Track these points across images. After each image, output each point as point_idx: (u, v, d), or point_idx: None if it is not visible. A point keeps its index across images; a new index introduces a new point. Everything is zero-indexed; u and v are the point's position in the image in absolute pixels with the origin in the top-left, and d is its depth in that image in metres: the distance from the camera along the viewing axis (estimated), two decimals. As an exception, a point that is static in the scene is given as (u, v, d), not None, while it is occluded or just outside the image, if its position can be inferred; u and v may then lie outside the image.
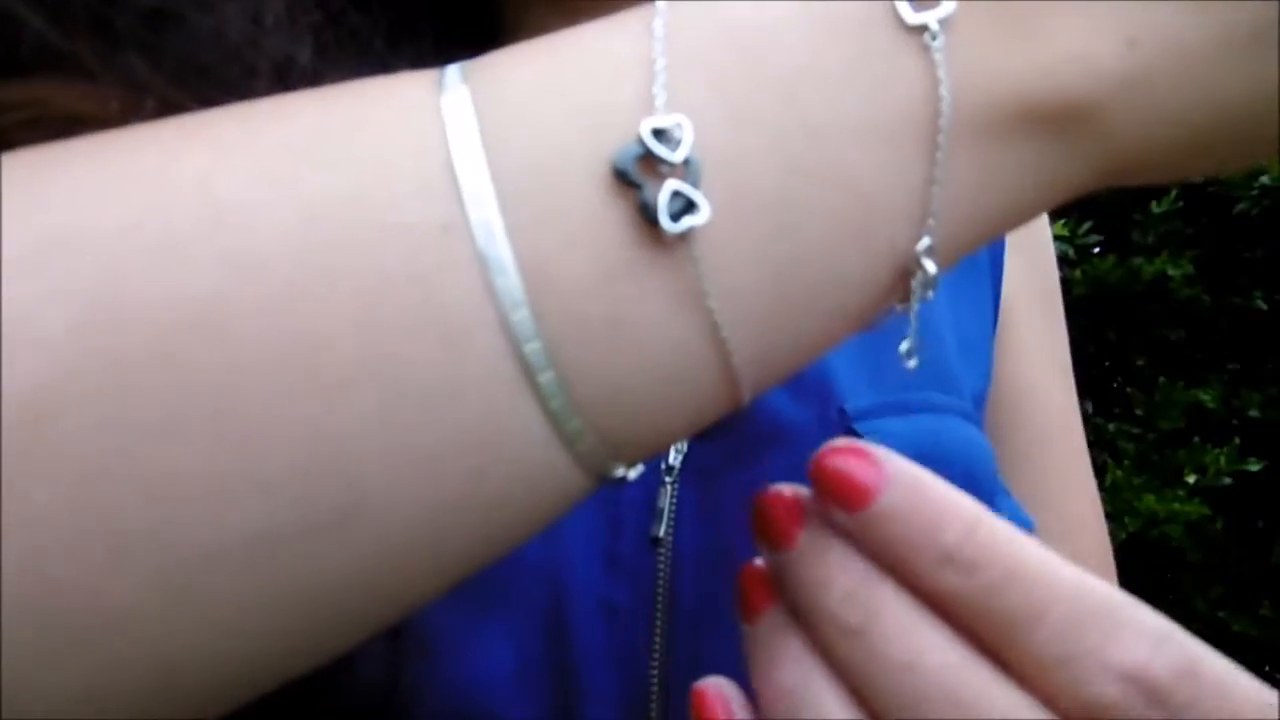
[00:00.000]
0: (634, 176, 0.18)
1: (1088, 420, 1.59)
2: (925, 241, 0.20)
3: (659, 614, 0.35)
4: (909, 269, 0.20)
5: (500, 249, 0.17)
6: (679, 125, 0.18)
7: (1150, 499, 1.42)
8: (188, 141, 0.18)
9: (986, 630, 0.19)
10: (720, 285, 0.18)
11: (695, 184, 0.18)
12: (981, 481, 0.40)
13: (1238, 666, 0.19)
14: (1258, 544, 1.48)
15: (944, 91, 0.19)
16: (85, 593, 0.16)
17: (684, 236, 0.18)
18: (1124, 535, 1.43)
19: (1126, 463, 1.51)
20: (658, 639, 0.35)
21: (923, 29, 0.19)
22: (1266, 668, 1.52)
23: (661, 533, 0.35)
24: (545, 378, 0.18)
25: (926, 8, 0.19)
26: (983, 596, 0.19)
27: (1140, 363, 1.61)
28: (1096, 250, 1.59)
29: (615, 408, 0.19)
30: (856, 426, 0.37)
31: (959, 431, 0.40)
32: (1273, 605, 1.43)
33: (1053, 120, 0.20)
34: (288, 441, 0.16)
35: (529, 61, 0.20)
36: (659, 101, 0.18)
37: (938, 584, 0.19)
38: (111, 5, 0.23)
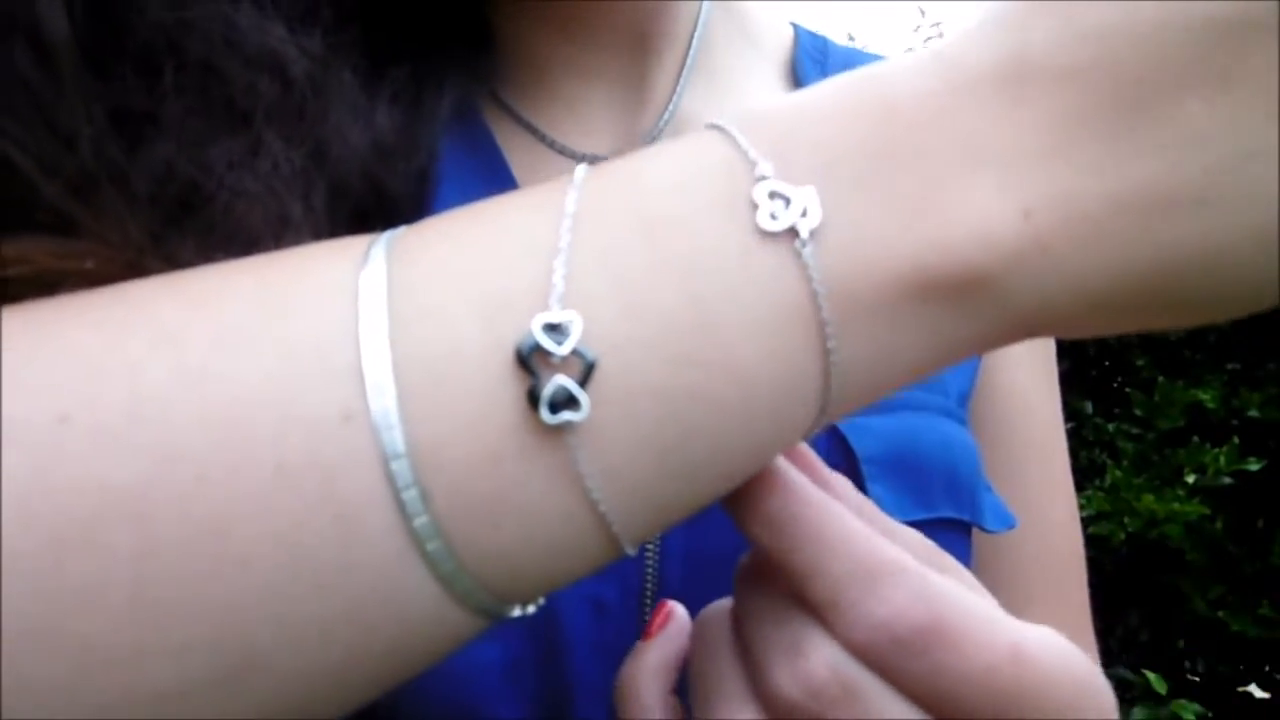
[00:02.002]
0: (533, 365, 0.19)
1: (1088, 420, 1.59)
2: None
3: (647, 611, 0.35)
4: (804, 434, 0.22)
5: (395, 437, 0.19)
6: (570, 321, 0.19)
7: (1150, 499, 1.42)
8: (128, 328, 0.19)
9: (788, 579, 0.23)
10: (600, 467, 0.20)
11: (585, 376, 0.19)
12: (963, 476, 0.40)
13: (999, 615, 0.22)
14: (1258, 544, 1.47)
15: (818, 288, 0.20)
16: None
17: (563, 427, 0.19)
18: (1124, 535, 1.43)
19: (1126, 463, 1.51)
20: (646, 636, 0.34)
21: (793, 233, 0.20)
22: (1266, 668, 1.52)
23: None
24: (433, 546, 0.19)
25: (782, 221, 0.20)
26: (783, 554, 0.23)
27: (1140, 363, 1.61)
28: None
29: (503, 569, 0.20)
30: (837, 424, 0.37)
31: (940, 427, 0.40)
32: (1273, 605, 1.42)
33: (948, 291, 0.20)
34: (194, 614, 0.18)
35: (447, 237, 0.21)
36: (557, 281, 0.19)
37: (759, 541, 0.23)
38: (132, 160, 0.24)
